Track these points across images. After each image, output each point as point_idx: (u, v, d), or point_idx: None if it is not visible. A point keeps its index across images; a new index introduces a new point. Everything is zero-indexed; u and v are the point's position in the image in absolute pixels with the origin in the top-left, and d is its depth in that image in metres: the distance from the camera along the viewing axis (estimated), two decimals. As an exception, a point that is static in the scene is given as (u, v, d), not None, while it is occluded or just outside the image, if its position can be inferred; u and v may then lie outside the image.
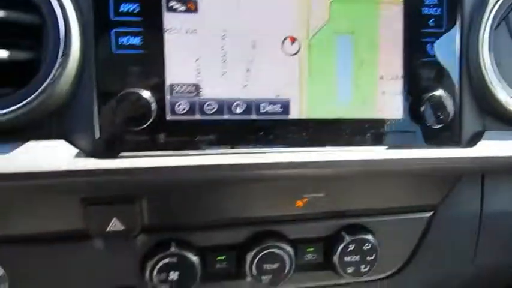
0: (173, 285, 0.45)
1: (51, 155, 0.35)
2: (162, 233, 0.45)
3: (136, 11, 0.36)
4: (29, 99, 0.34)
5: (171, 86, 0.37)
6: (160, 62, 0.37)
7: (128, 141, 0.36)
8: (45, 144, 0.35)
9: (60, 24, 0.35)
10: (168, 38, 0.37)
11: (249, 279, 0.47)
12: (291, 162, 0.39)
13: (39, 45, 0.36)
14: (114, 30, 0.36)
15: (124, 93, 0.35)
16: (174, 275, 0.45)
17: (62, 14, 0.35)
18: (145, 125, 0.36)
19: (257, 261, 0.46)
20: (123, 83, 0.36)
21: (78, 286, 0.45)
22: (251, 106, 0.39)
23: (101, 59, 0.36)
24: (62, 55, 0.35)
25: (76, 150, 0.36)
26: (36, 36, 0.36)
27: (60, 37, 0.34)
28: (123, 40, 0.36)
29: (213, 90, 0.38)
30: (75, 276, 0.44)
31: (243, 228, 0.47)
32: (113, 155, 0.36)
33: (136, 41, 0.36)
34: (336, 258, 0.48)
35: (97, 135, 0.36)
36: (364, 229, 0.49)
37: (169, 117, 0.37)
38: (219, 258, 0.48)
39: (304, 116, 0.40)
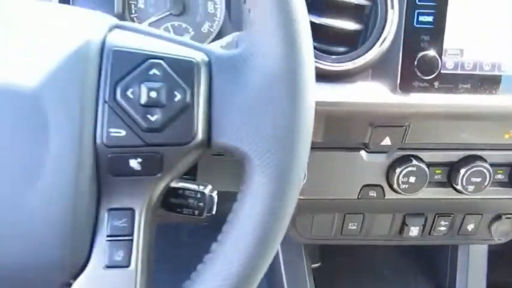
0: (410, 186, 0.66)
1: (367, 91, 0.56)
2: (405, 150, 0.66)
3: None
4: (361, 58, 0.54)
5: (445, 50, 0.56)
6: (442, 34, 0.55)
7: (416, 86, 0.56)
8: (366, 84, 0.56)
9: (384, 5, 0.54)
10: (448, 15, 0.55)
11: (458, 187, 0.67)
12: None
13: (363, 19, 0.55)
14: (416, 11, 0.54)
15: (422, 55, 0.54)
16: (412, 179, 0.66)
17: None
18: (431, 76, 0.55)
19: (467, 175, 0.66)
20: (420, 48, 0.55)
21: (340, 181, 0.67)
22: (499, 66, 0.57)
23: (407, 31, 0.54)
24: (384, 27, 0.54)
25: (385, 89, 0.56)
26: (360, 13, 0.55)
27: (387, 15, 0.54)
28: (422, 18, 0.54)
29: (472, 54, 0.56)
30: (341, 171, 0.66)
31: (456, 151, 0.67)
32: (408, 93, 0.56)
33: (429, 19, 0.54)
34: None
35: (398, 81, 0.56)
36: None
37: (443, 70, 0.56)
38: (437, 171, 0.68)
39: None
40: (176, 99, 0.31)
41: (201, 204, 0.41)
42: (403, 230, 0.77)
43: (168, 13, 0.69)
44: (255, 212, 0.32)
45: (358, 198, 0.68)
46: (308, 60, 0.32)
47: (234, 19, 0.69)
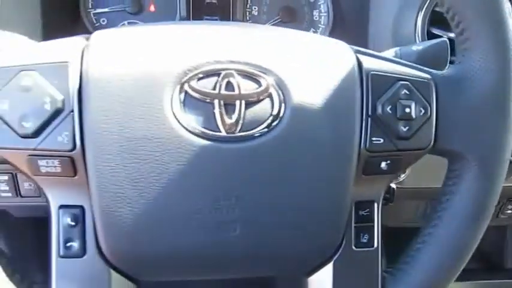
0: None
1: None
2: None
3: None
4: None
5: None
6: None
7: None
8: None
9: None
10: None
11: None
12: None
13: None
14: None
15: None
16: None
17: None
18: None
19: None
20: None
21: (431, 171, 0.76)
22: None
23: None
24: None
25: None
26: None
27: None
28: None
29: None
30: (433, 163, 0.75)
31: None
32: None
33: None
34: None
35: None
36: None
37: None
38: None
39: None
40: (421, 113, 0.39)
41: (387, 195, 0.49)
42: (474, 213, 0.87)
43: (279, 20, 0.75)
44: (469, 209, 0.40)
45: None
46: None
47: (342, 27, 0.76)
